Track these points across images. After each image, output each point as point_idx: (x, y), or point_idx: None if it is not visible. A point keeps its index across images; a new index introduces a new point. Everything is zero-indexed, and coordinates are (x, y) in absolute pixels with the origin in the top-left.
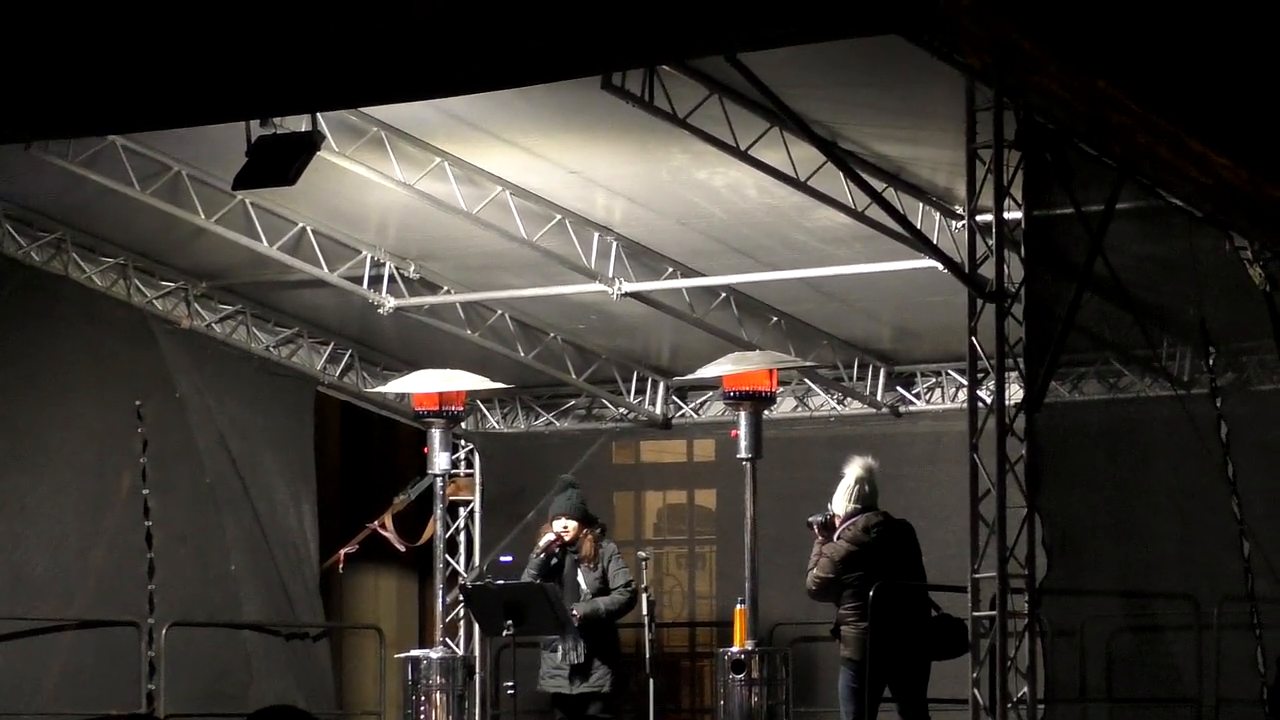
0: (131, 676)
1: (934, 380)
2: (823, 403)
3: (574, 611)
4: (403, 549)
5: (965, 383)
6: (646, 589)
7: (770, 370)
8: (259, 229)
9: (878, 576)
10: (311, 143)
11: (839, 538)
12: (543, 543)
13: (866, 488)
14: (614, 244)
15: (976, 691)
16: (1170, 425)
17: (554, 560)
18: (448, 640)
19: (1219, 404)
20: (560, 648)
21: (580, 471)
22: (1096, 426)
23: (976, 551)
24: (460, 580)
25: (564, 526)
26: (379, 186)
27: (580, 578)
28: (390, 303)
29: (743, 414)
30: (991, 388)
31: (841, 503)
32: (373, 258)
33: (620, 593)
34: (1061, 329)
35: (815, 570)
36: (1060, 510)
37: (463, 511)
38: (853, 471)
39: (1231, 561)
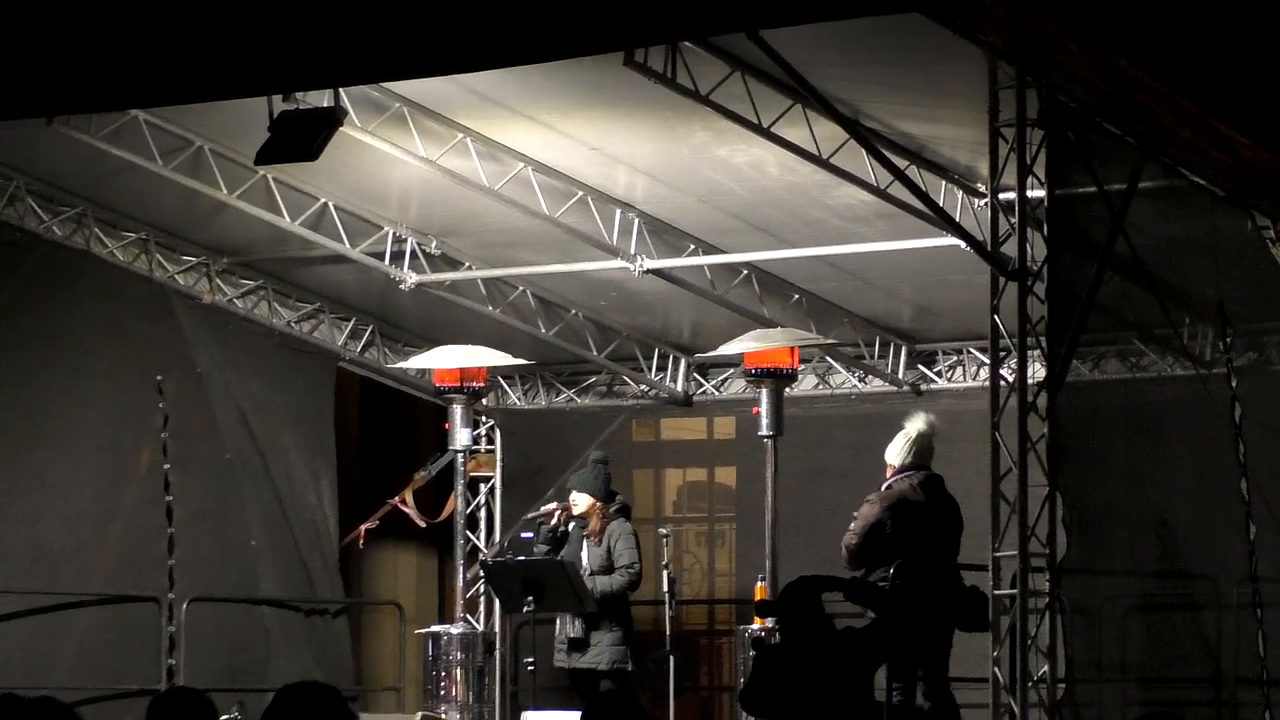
0: (151, 652)
1: (955, 359)
2: (844, 380)
3: None
4: (423, 525)
5: (987, 361)
6: (667, 566)
7: (791, 348)
8: (281, 204)
9: (918, 538)
10: (334, 118)
11: (887, 488)
12: (543, 508)
13: (924, 444)
14: (635, 221)
15: (997, 670)
16: (1189, 405)
17: (561, 531)
18: (468, 616)
19: (1234, 385)
20: (559, 622)
21: (600, 449)
22: (1118, 405)
23: (998, 530)
24: (480, 556)
25: (574, 499)
26: (401, 162)
27: (584, 552)
28: (412, 279)
29: (764, 391)
30: (1013, 366)
31: (896, 455)
32: (394, 234)
33: (621, 574)
34: (1083, 308)
35: (855, 523)
36: (1080, 489)
37: (483, 488)
38: (914, 425)
39: (1240, 543)
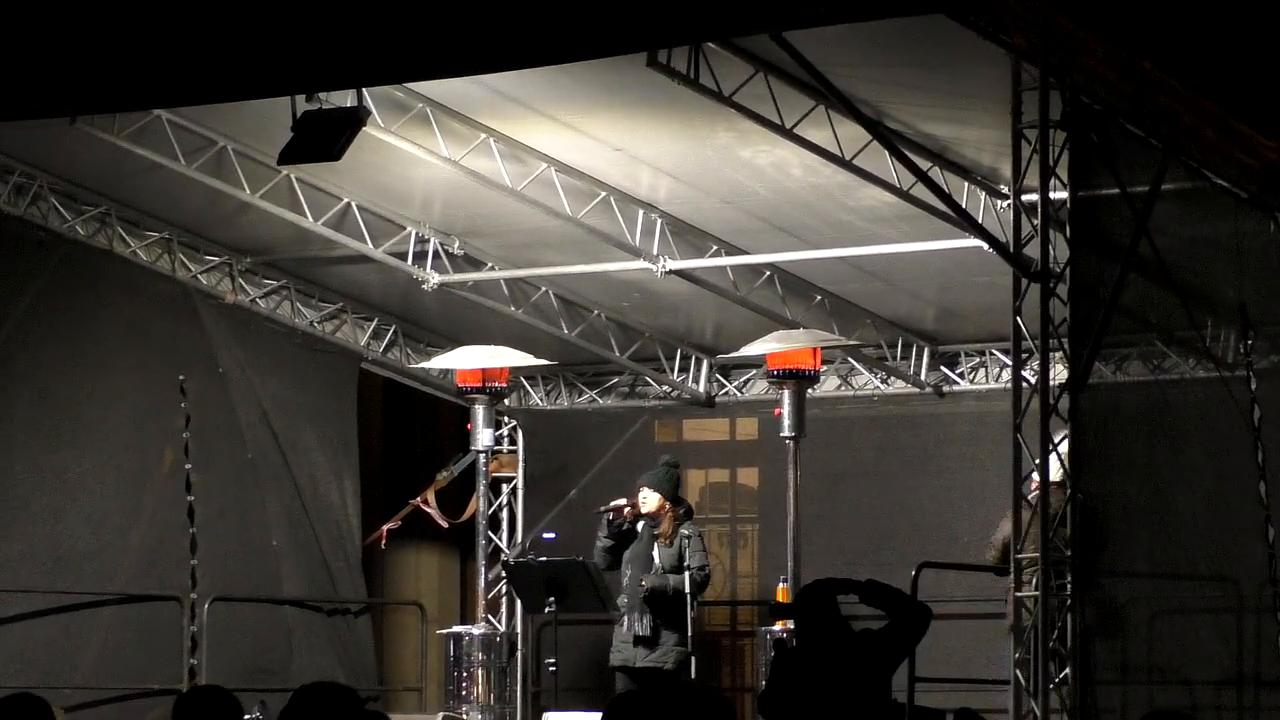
0: (173, 652)
1: (978, 360)
2: (866, 382)
3: (643, 582)
4: (445, 525)
5: (1009, 363)
6: (689, 566)
7: (814, 349)
8: (304, 204)
9: None
10: (357, 118)
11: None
12: (612, 503)
13: None
14: (658, 222)
15: (1018, 672)
16: (1211, 408)
17: (624, 526)
18: (489, 617)
19: (1254, 387)
20: (627, 620)
21: (622, 449)
22: (1139, 407)
23: (1019, 532)
24: (502, 557)
25: (643, 496)
26: (424, 162)
27: (656, 552)
28: (434, 279)
29: (786, 393)
30: (1035, 368)
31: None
32: (417, 234)
33: (694, 574)
34: (1106, 310)
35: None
36: (1102, 491)
37: (505, 488)
38: None
39: (1260, 546)
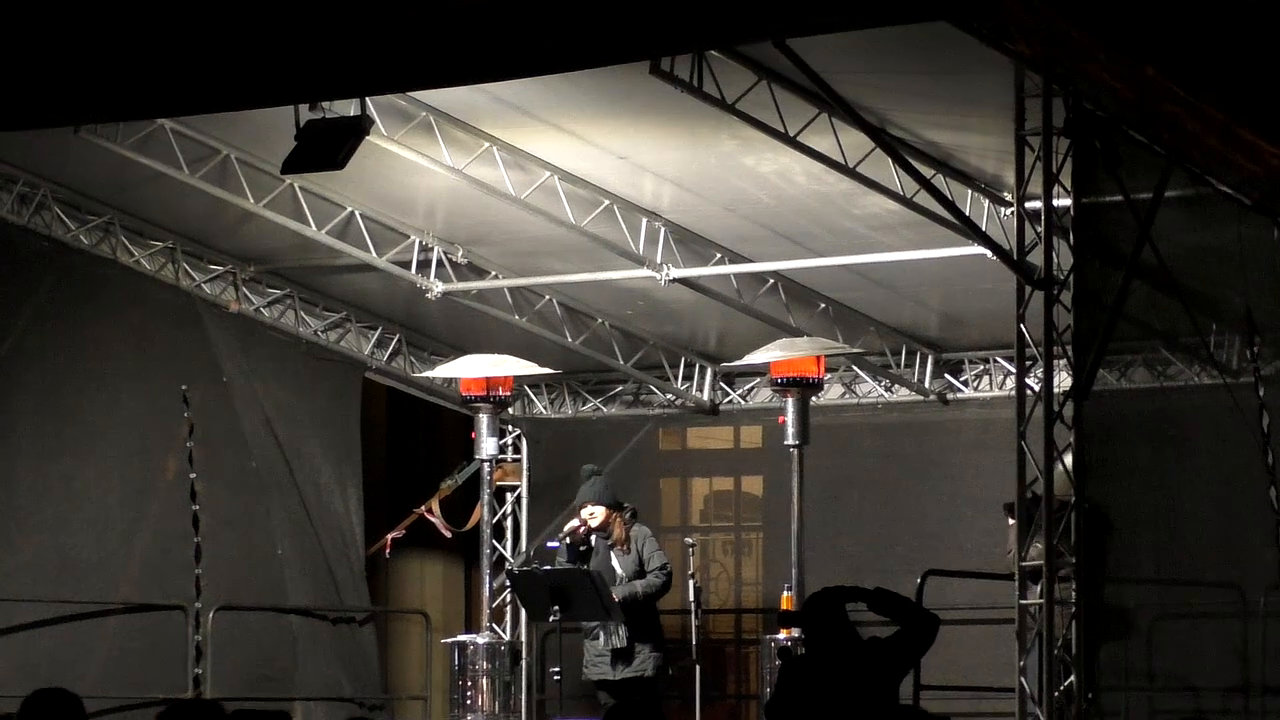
0: (177, 660)
1: (982, 367)
2: (870, 389)
3: (612, 595)
4: (449, 534)
5: (1013, 370)
6: (693, 575)
7: (817, 357)
8: (307, 213)
9: None
10: (360, 127)
11: None
12: (566, 528)
13: None
14: (662, 230)
15: (1023, 680)
16: (1216, 414)
17: (583, 546)
18: (494, 625)
19: (1261, 393)
20: (601, 634)
21: (627, 457)
22: (1144, 414)
23: (1024, 539)
24: (507, 566)
25: (589, 513)
26: (427, 171)
27: (615, 562)
28: (438, 287)
29: (790, 400)
30: (1039, 375)
31: None
32: (421, 242)
33: (657, 575)
34: (1110, 317)
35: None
36: (1107, 498)
37: (509, 497)
38: None
39: (1269, 551)
